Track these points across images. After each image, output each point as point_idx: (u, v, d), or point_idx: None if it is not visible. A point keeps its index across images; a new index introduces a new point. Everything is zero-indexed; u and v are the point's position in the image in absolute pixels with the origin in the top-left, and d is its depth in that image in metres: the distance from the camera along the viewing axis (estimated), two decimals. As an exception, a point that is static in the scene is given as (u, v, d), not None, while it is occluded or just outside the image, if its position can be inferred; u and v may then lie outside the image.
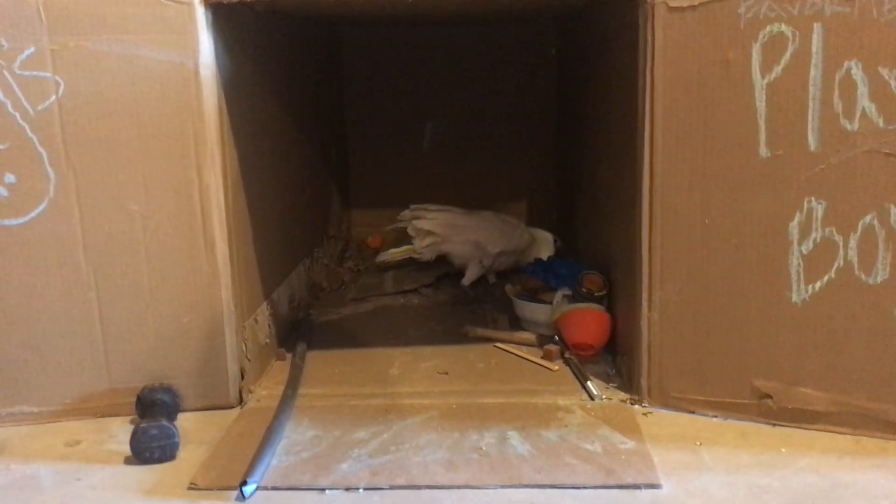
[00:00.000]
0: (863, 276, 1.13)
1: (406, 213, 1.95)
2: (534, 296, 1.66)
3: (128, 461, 1.16)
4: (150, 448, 1.14)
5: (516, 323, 1.65)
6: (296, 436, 1.20)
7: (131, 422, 1.26)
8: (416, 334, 1.65)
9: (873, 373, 1.15)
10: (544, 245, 1.90)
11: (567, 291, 1.56)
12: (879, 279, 1.12)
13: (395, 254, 1.99)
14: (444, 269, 1.97)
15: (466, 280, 1.88)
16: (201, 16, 1.21)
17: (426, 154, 2.35)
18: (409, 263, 2.00)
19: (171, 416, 1.23)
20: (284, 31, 1.68)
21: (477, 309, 1.78)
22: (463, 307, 1.80)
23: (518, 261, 1.92)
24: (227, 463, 1.12)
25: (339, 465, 1.11)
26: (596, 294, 1.51)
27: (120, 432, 1.24)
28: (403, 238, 1.99)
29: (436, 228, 1.91)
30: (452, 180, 2.31)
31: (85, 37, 1.19)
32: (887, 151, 1.09)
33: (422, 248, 1.92)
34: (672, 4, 1.15)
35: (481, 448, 1.15)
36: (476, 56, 2.28)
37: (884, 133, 1.08)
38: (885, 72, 1.07)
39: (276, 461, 1.12)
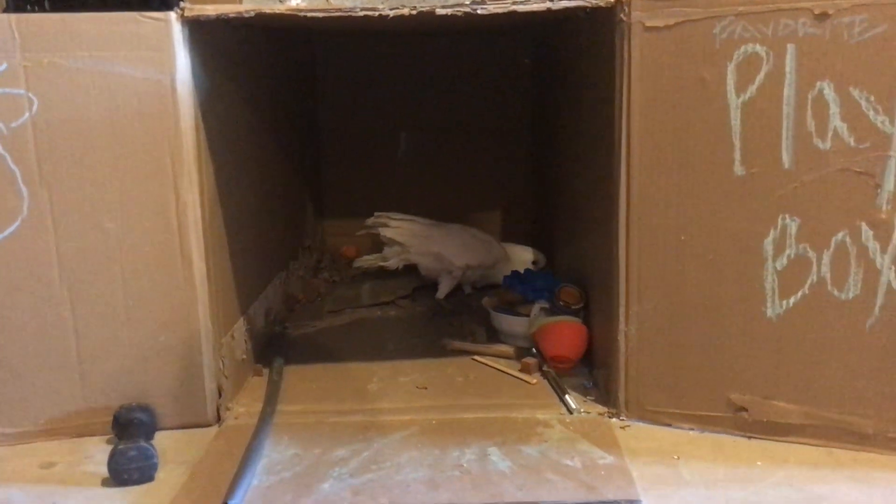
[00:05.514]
0: (835, 292, 1.15)
1: (370, 221, 1.96)
2: (511, 308, 1.66)
3: (105, 483, 1.14)
4: (129, 469, 1.13)
5: (494, 335, 1.65)
6: (276, 454, 1.19)
7: (108, 442, 1.25)
8: (394, 348, 1.65)
9: (845, 386, 1.17)
10: (520, 261, 1.90)
11: (544, 304, 1.57)
12: (851, 295, 1.14)
13: (367, 260, 1.99)
14: (420, 281, 1.97)
15: (440, 293, 1.88)
16: (178, 32, 1.20)
17: (401, 164, 2.36)
18: (386, 272, 2.00)
19: (149, 436, 1.22)
20: (259, 43, 1.67)
21: (454, 321, 1.78)
22: (441, 319, 1.80)
23: (489, 275, 1.92)
24: (207, 484, 1.11)
25: (321, 485, 1.10)
26: (573, 307, 1.52)
27: (96, 453, 1.23)
28: (379, 246, 2.00)
29: (398, 237, 1.91)
30: (427, 190, 2.31)
31: (59, 53, 1.18)
32: (858, 170, 1.11)
33: (389, 256, 1.93)
34: (648, 24, 1.17)
35: (462, 465, 1.15)
36: (450, 66, 2.28)
37: (855, 152, 1.11)
38: (855, 92, 1.09)
39: (256, 481, 1.12)
